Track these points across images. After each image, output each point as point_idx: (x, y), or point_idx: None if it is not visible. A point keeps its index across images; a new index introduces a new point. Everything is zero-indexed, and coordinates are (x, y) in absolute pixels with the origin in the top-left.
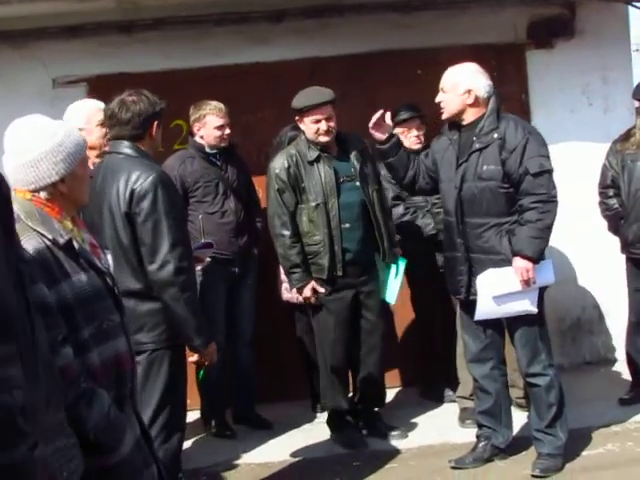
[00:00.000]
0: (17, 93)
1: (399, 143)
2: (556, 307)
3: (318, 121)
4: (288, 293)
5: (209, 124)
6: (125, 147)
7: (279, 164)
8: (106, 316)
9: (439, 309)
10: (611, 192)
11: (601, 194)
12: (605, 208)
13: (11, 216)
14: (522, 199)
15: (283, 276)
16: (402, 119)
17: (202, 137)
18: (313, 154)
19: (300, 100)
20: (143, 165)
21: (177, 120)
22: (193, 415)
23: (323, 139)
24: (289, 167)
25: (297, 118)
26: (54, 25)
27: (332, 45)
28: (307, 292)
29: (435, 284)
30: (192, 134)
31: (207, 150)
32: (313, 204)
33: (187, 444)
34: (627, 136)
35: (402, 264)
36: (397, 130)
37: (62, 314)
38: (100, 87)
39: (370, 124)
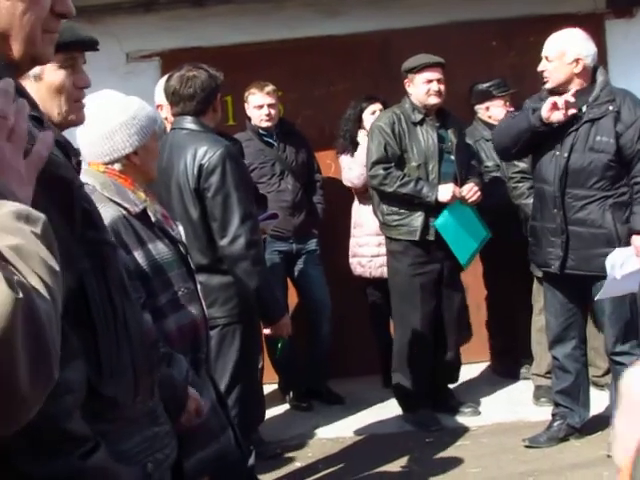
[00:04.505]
0: (91, 68)
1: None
2: None
3: (430, 81)
4: (361, 267)
5: (250, 104)
6: (189, 122)
7: (384, 119)
8: (181, 284)
9: (513, 283)
10: None
11: None
12: None
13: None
14: (638, 177)
15: (355, 250)
16: (502, 93)
17: (250, 118)
18: (418, 116)
19: (412, 61)
20: (209, 140)
21: None
22: (271, 387)
23: (433, 100)
24: (394, 123)
25: (406, 80)
26: (128, 0)
27: (404, 17)
28: (455, 191)
29: (510, 258)
30: None
31: (260, 131)
32: (414, 164)
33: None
34: None
35: (484, 236)
36: (497, 102)
37: (139, 280)
38: (173, 61)
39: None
